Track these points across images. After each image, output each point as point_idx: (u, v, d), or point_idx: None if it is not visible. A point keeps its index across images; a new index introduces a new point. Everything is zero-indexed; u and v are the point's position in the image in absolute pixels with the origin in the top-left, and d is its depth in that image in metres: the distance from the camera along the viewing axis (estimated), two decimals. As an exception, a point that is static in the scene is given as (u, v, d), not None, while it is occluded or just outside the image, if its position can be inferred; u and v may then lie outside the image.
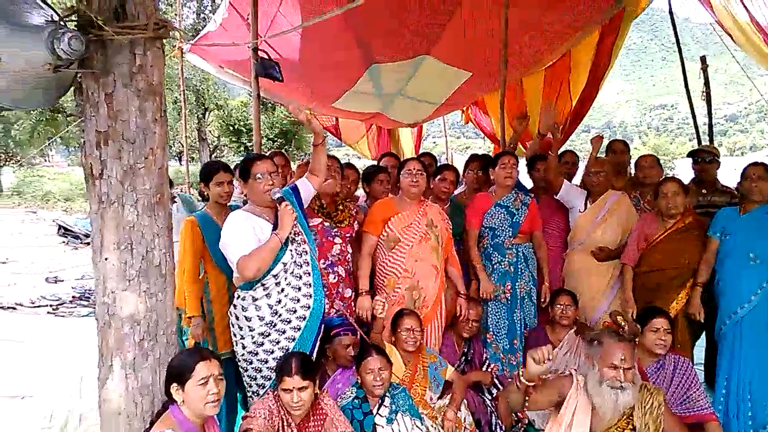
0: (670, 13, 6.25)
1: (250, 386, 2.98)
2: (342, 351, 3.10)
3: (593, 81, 6.10)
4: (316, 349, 3.02)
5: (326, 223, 3.59)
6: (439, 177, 4.06)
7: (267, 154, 3.41)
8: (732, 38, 5.33)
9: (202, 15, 21.97)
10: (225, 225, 2.89)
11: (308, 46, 5.25)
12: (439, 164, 4.81)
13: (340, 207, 3.71)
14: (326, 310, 3.43)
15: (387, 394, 2.96)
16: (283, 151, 6.51)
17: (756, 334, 3.46)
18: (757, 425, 3.47)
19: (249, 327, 2.88)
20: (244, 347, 2.91)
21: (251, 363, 2.91)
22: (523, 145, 6.46)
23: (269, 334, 2.88)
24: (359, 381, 2.97)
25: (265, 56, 4.00)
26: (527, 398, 2.65)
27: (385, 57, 5.59)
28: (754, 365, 3.47)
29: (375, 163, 5.34)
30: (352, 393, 2.98)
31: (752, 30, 4.92)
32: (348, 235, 3.67)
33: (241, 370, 3.01)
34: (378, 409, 2.93)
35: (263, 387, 2.91)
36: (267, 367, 2.89)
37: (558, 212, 4.34)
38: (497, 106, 7.01)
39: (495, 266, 3.97)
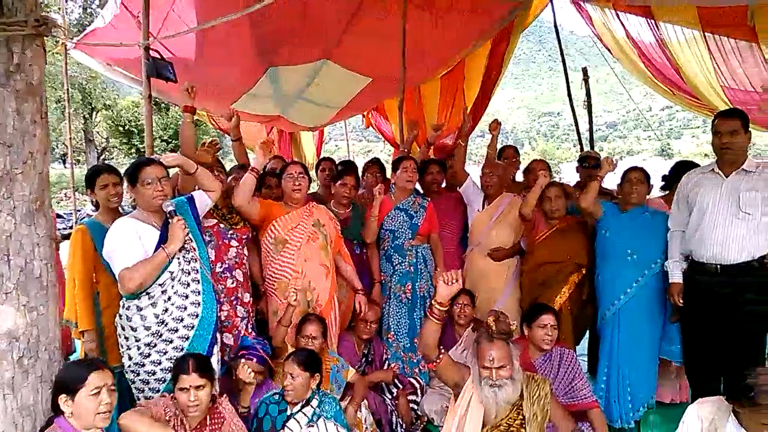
0: (555, 26, 6.66)
1: (138, 399, 2.84)
2: (240, 373, 3.00)
3: (486, 88, 6.40)
4: (214, 357, 2.94)
5: (222, 225, 3.52)
6: (340, 182, 4.09)
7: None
8: (610, 51, 5.79)
9: (88, 10, 20.66)
10: (109, 232, 2.76)
11: (204, 46, 5.09)
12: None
13: (234, 209, 3.65)
14: (230, 316, 3.37)
15: (315, 396, 2.93)
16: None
17: (632, 324, 3.75)
18: (635, 408, 3.78)
19: (135, 337, 2.77)
20: (130, 358, 2.79)
21: (138, 375, 2.80)
22: (420, 147, 6.64)
23: (156, 345, 2.77)
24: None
25: (158, 56, 3.84)
26: (438, 361, 2.73)
27: (285, 60, 5.53)
28: (631, 353, 3.76)
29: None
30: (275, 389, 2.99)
31: (628, 45, 5.38)
32: (244, 236, 3.62)
33: (129, 382, 2.87)
34: (302, 407, 2.89)
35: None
36: (155, 379, 2.79)
37: (453, 214, 4.52)
38: (396, 110, 7.19)
39: (396, 267, 4.07)
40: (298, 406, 2.89)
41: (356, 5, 4.99)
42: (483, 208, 4.32)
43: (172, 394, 2.58)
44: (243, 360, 3.03)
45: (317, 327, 3.33)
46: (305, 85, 6.24)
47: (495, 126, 4.65)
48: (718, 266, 3.27)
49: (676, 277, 3.54)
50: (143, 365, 2.78)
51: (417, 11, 5.00)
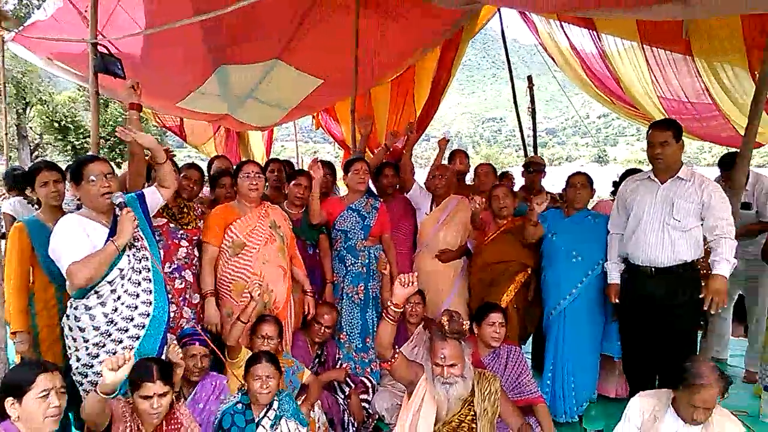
0: (503, 35, 6.85)
1: None
2: (188, 361, 3.00)
3: (435, 94, 6.52)
4: (164, 357, 2.89)
5: (171, 225, 3.47)
6: (294, 182, 4.09)
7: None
8: (554, 60, 6.01)
9: (24, 1, 19.71)
10: (55, 229, 2.66)
11: (152, 43, 4.97)
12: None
13: (185, 209, 3.60)
14: (176, 318, 3.30)
15: (275, 398, 2.91)
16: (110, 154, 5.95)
17: (576, 323, 3.92)
18: (579, 403, 3.95)
19: (83, 338, 2.67)
20: (78, 359, 2.70)
21: (86, 376, 2.71)
22: (371, 150, 6.70)
23: (105, 345, 2.68)
24: (245, 387, 2.90)
25: (106, 51, 3.73)
26: (393, 360, 2.79)
27: (236, 59, 5.47)
28: (575, 350, 3.92)
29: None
30: (235, 397, 2.90)
31: (571, 55, 5.59)
32: (195, 237, 3.57)
33: (76, 384, 2.76)
34: (266, 412, 2.86)
35: None
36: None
37: (405, 216, 4.59)
38: (347, 112, 7.22)
39: (349, 268, 4.10)
40: (263, 411, 2.86)
41: (308, 6, 5.00)
42: (431, 210, 4.42)
43: (126, 398, 2.51)
44: (189, 346, 3.01)
45: (274, 327, 3.32)
46: (256, 85, 6.18)
47: (444, 143, 4.78)
48: (653, 269, 3.44)
49: (614, 278, 3.71)
50: (92, 366, 2.69)
51: (369, 15, 5.05)
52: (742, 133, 4.15)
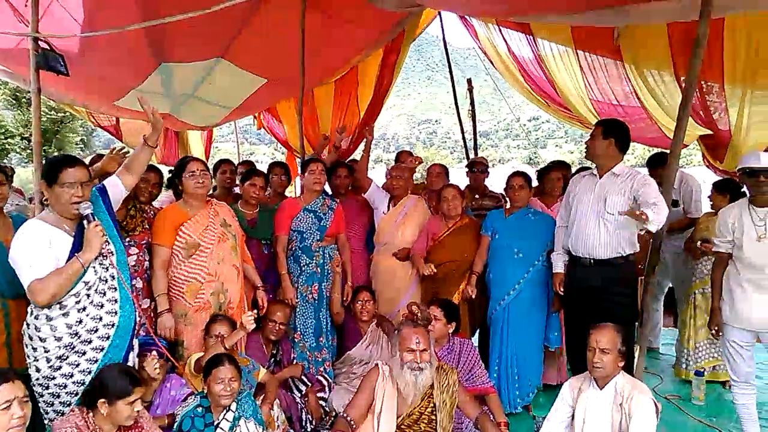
0: (444, 38, 7.01)
1: (47, 413, 2.62)
2: (147, 366, 2.94)
3: (378, 95, 6.60)
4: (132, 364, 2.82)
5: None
6: (249, 182, 4.05)
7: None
8: (493, 64, 6.20)
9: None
10: (17, 235, 2.52)
11: (91, 39, 4.80)
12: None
13: (132, 212, 3.50)
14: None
15: (233, 399, 2.88)
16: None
17: (520, 316, 4.08)
18: (522, 395, 4.11)
19: (44, 348, 2.54)
20: (38, 370, 2.55)
21: (48, 388, 2.57)
22: (314, 149, 6.70)
23: (67, 357, 2.56)
24: (204, 389, 2.85)
25: (47, 47, 3.57)
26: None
27: (178, 56, 5.36)
28: (519, 342, 4.08)
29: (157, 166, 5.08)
30: (194, 401, 2.86)
31: (509, 59, 5.80)
32: (144, 242, 3.48)
33: (36, 395, 2.61)
34: (225, 413, 2.83)
35: (62, 414, 2.55)
36: (66, 392, 2.57)
37: (359, 216, 4.65)
38: (289, 113, 7.20)
39: (303, 268, 4.10)
40: (222, 413, 2.84)
41: (253, 6, 4.97)
42: (388, 209, 4.49)
43: (83, 408, 2.44)
44: (150, 354, 2.95)
45: (227, 327, 3.29)
46: (198, 83, 6.07)
47: (369, 130, 4.90)
48: (592, 260, 3.61)
49: (558, 268, 3.90)
50: (53, 378, 2.56)
51: (313, 16, 5.07)
52: (667, 134, 4.43)
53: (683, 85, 3.74)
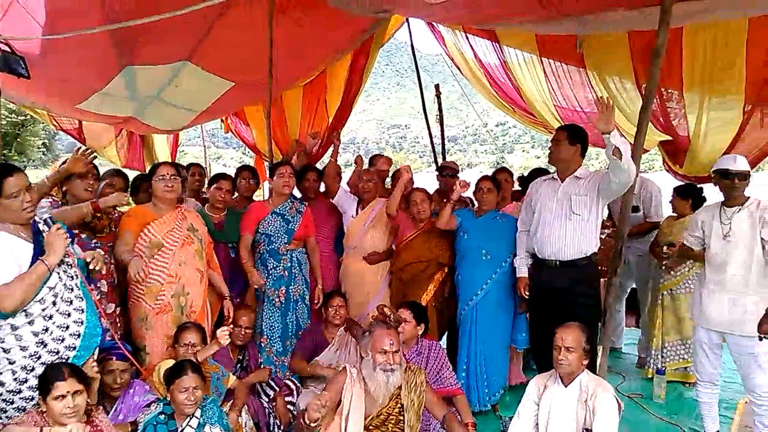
0: (411, 44, 7.08)
1: None
2: (107, 377, 2.90)
3: (347, 100, 6.61)
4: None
5: (84, 235, 3.32)
6: (215, 186, 4.03)
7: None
8: (460, 70, 6.29)
9: None
10: None
11: (53, 41, 4.70)
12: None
13: (98, 214, 3.45)
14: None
15: (198, 407, 2.85)
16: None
17: (487, 317, 4.14)
18: (492, 392, 4.17)
19: (8, 360, 2.44)
20: (3, 384, 2.45)
21: (13, 403, 2.48)
22: (282, 153, 6.68)
23: (33, 368, 2.47)
24: (168, 397, 2.82)
25: (7, 49, 3.49)
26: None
27: (143, 59, 5.28)
28: (487, 343, 4.14)
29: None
30: (157, 407, 2.82)
31: (476, 65, 5.89)
32: (110, 244, 3.44)
33: None
34: (189, 420, 2.79)
35: None
36: (34, 405, 2.48)
37: (327, 219, 4.66)
38: (257, 116, 7.15)
39: (270, 271, 4.10)
40: (186, 420, 2.80)
41: (220, 9, 4.93)
42: (357, 213, 4.51)
43: (38, 409, 2.39)
44: (106, 362, 2.92)
45: (196, 335, 3.26)
46: (163, 86, 5.98)
47: (337, 136, 4.97)
48: (558, 262, 3.71)
49: (522, 272, 3.97)
50: (19, 392, 2.47)
51: (281, 20, 5.06)
52: (629, 140, 4.55)
53: (644, 92, 3.84)
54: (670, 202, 4.84)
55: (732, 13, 3.74)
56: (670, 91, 4.74)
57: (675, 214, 4.77)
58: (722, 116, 4.53)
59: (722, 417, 3.89)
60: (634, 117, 3.93)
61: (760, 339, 3.14)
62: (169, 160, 8.26)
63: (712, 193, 4.31)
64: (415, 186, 4.66)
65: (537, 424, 3.07)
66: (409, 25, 6.67)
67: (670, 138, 4.97)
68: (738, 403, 4.35)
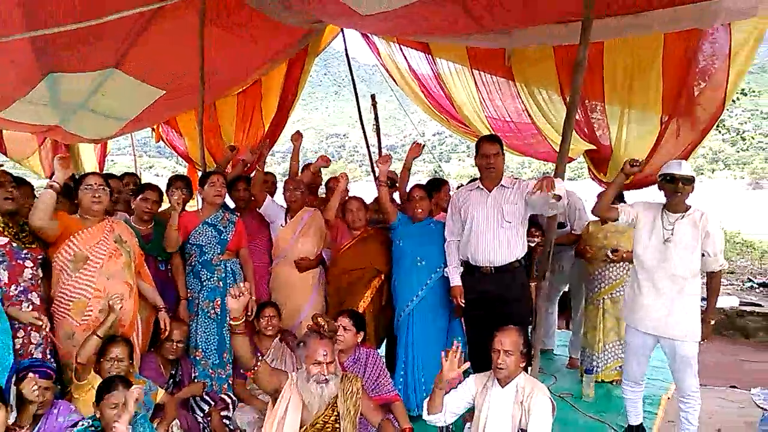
0: (347, 55, 7.11)
1: None
2: (23, 388, 2.76)
3: (283, 108, 6.59)
4: (12, 393, 2.62)
5: (14, 244, 3.15)
6: (141, 197, 3.92)
7: None
8: (394, 80, 6.38)
9: None
10: None
11: (-33, 46, 4.46)
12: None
13: (25, 226, 3.30)
14: (24, 345, 3.02)
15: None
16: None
17: (424, 322, 4.20)
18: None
19: None
20: None
21: None
22: (216, 163, 6.56)
23: None
24: (97, 413, 2.70)
25: None
26: (256, 369, 2.81)
27: (68, 66, 5.08)
28: (424, 348, 4.19)
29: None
30: (86, 423, 2.70)
31: (410, 76, 5.98)
32: (39, 257, 3.28)
33: None
34: None
35: None
36: None
37: (261, 230, 4.61)
38: (190, 125, 7.01)
39: (204, 283, 4.02)
40: None
41: (150, 15, 4.81)
42: (286, 222, 4.48)
43: None
44: (30, 375, 2.77)
45: (123, 349, 3.16)
46: (90, 94, 5.77)
47: (297, 137, 4.84)
48: (492, 268, 3.83)
49: (455, 281, 4.03)
50: None
51: (214, 28, 4.98)
52: (556, 149, 4.74)
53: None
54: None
55: (648, 30, 3.94)
56: (593, 102, 4.95)
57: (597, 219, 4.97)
58: (641, 127, 4.76)
59: (646, 412, 4.09)
60: (560, 127, 4.09)
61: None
62: (97, 171, 7.96)
63: (634, 200, 4.56)
64: (351, 194, 4.68)
65: (474, 424, 3.13)
66: (344, 36, 6.70)
67: (594, 147, 5.19)
68: (661, 398, 4.58)
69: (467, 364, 3.11)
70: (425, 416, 3.16)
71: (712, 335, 3.84)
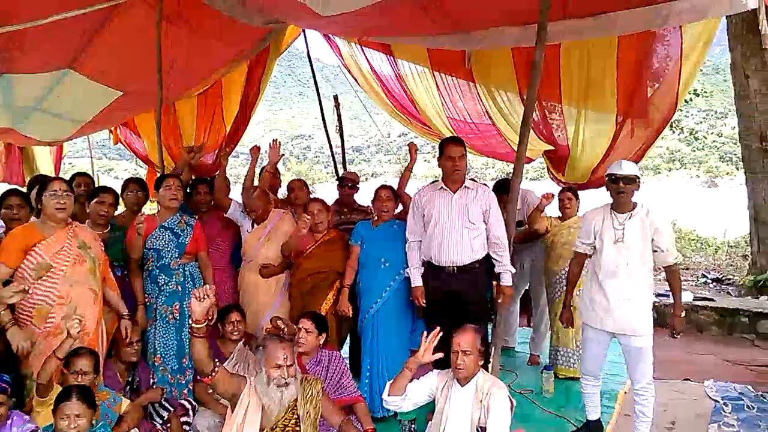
0: (308, 56, 7.09)
1: None
2: None
3: (244, 109, 6.51)
4: None
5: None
6: (96, 199, 3.83)
7: None
8: (356, 81, 6.38)
9: None
10: None
11: None
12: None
13: None
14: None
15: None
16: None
17: (388, 323, 4.22)
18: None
19: None
20: None
21: None
22: (176, 163, 6.45)
23: None
24: (53, 425, 2.64)
25: None
26: (214, 374, 2.78)
27: (20, 67, 4.93)
28: (388, 349, 4.20)
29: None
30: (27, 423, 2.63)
31: (372, 77, 6.00)
32: None
33: None
34: None
35: None
36: None
37: (221, 233, 4.56)
38: (149, 126, 6.89)
39: (162, 288, 3.94)
40: None
41: (105, 15, 4.71)
42: (253, 227, 4.44)
43: None
44: None
45: (88, 361, 3.07)
46: (44, 96, 5.62)
47: (255, 150, 4.78)
48: (455, 267, 3.87)
49: (417, 281, 4.06)
50: None
51: (172, 28, 4.91)
52: (515, 149, 4.82)
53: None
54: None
55: (606, 32, 4.02)
56: (551, 103, 5.05)
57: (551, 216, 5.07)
58: (597, 128, 4.87)
59: (604, 407, 4.18)
60: (519, 127, 4.16)
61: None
62: (53, 174, 7.75)
63: (589, 199, 4.67)
64: (313, 196, 4.66)
65: (435, 422, 3.17)
66: (305, 36, 6.67)
67: (552, 148, 5.29)
68: (618, 393, 4.69)
69: (441, 354, 3.12)
70: (384, 396, 3.15)
71: (664, 329, 3.98)
